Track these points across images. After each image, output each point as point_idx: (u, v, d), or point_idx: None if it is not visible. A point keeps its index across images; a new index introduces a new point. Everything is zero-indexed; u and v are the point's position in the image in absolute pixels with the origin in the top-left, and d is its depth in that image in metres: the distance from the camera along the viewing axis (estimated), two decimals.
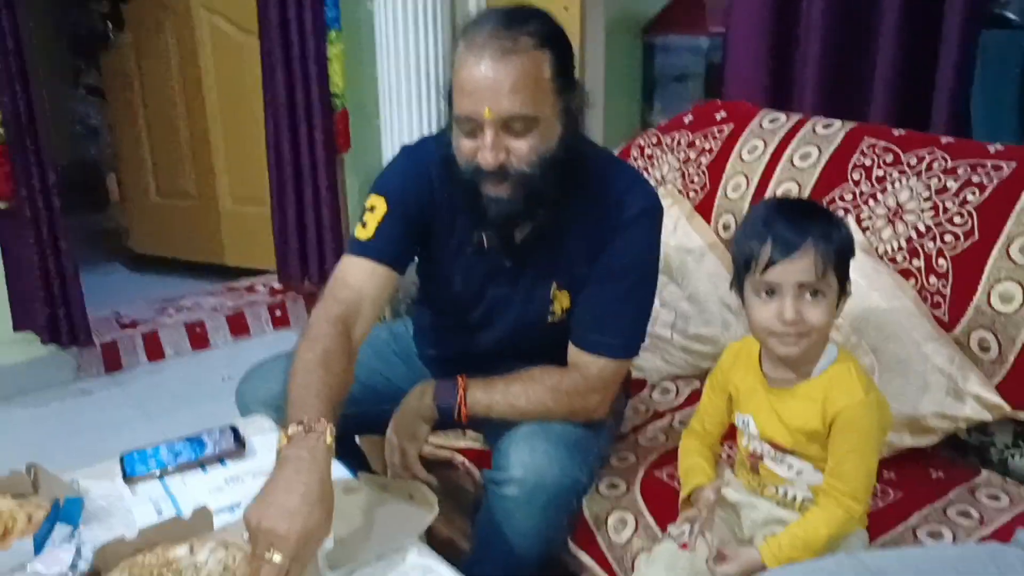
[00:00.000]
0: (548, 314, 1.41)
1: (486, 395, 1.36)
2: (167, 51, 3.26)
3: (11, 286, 2.51)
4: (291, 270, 3.08)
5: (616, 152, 2.04)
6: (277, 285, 3.22)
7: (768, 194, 1.69)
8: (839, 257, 1.13)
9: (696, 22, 3.58)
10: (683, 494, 1.26)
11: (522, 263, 1.39)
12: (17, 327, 2.55)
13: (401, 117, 2.83)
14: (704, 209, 1.80)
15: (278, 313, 3.14)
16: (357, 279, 1.32)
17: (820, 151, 1.66)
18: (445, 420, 1.39)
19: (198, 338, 2.99)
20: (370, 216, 1.34)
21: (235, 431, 1.34)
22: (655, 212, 1.35)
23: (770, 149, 1.74)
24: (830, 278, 1.12)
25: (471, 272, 1.41)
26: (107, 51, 3.42)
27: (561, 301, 1.40)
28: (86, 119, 4.00)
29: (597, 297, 1.35)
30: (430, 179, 1.36)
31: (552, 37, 1.23)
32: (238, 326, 3.07)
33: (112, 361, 2.81)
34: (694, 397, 1.68)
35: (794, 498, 1.20)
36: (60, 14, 4.12)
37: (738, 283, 1.19)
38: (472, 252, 1.39)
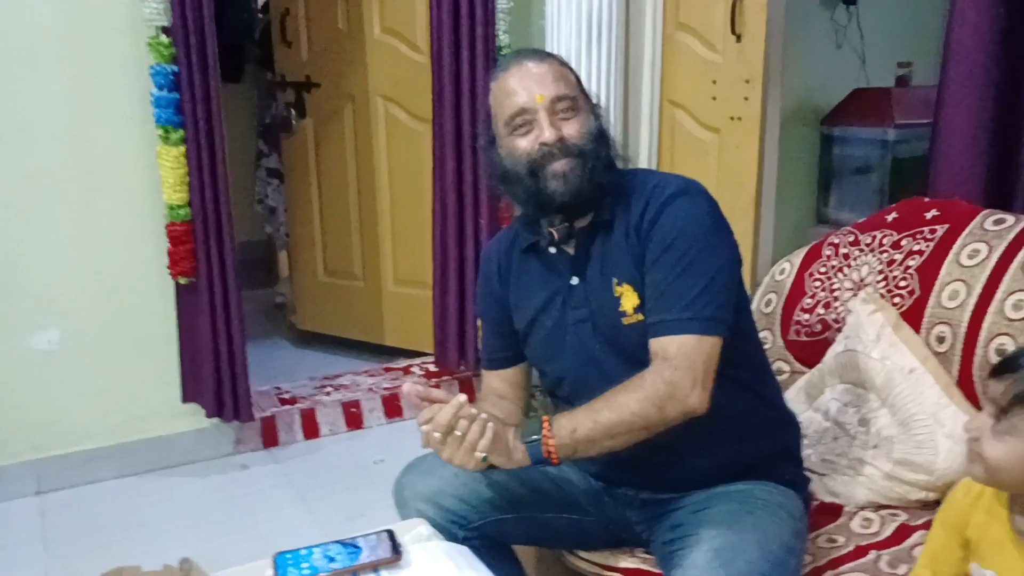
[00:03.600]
0: (621, 315, 1.35)
1: (569, 419, 1.26)
2: (344, 137, 3.38)
3: (184, 360, 2.58)
4: (448, 354, 3.04)
5: (805, 249, 1.88)
6: (434, 368, 3.19)
7: (995, 304, 1.48)
8: None
9: (881, 113, 3.37)
10: None
11: (585, 268, 1.40)
12: (186, 399, 2.62)
13: None
14: (913, 318, 1.60)
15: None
16: (490, 386, 1.55)
17: None
18: (536, 458, 1.26)
19: (353, 418, 2.98)
20: (481, 333, 1.60)
21: (392, 537, 1.24)
22: (692, 188, 1.36)
23: (996, 254, 1.52)
24: (1019, 423, 0.94)
25: (550, 305, 1.44)
26: (289, 136, 3.58)
27: (629, 298, 1.35)
28: (264, 199, 4.19)
29: (655, 279, 1.32)
30: (498, 256, 1.53)
31: (566, 62, 1.42)
32: (393, 408, 3.04)
33: (270, 437, 2.84)
34: (902, 533, 1.46)
35: None
36: (255, 103, 4.41)
37: None
38: (542, 274, 1.45)
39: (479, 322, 1.62)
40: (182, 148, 2.42)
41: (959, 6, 1.75)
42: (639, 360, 1.33)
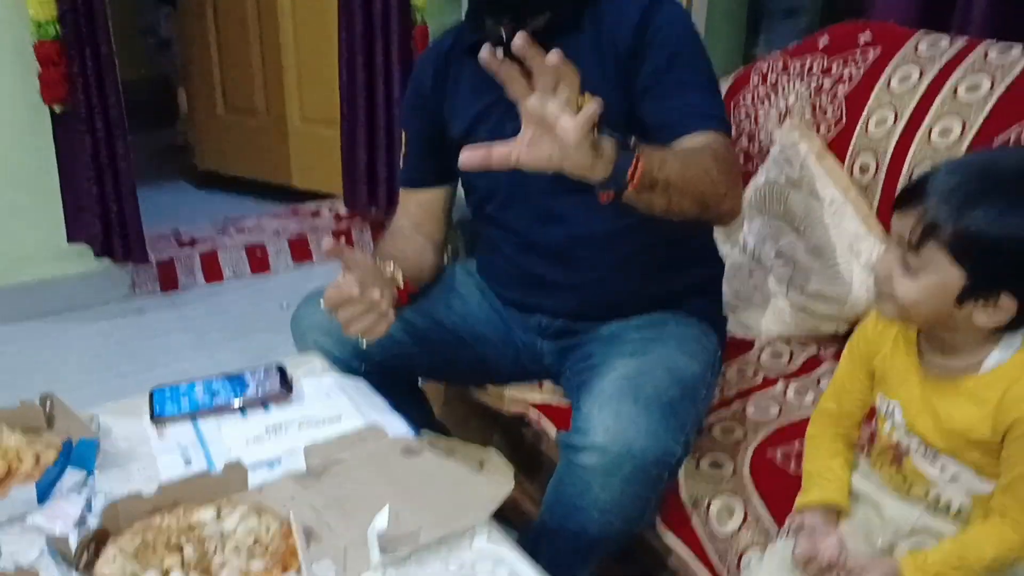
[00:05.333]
0: None
1: (660, 153, 1.09)
2: None
3: (66, 196, 2.38)
4: (358, 195, 2.89)
5: (731, 79, 1.78)
6: (343, 211, 3.05)
7: (922, 131, 1.42)
8: (967, 244, 0.84)
9: None
10: (802, 499, 1.03)
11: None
12: (71, 239, 2.43)
13: None
14: (839, 147, 1.53)
15: (342, 240, 2.96)
16: (406, 209, 1.44)
17: (993, 82, 1.37)
18: (621, 169, 1.04)
19: (258, 262, 2.84)
20: (404, 149, 1.45)
21: (282, 372, 1.16)
22: None
23: (928, 78, 1.45)
24: (933, 256, 0.86)
25: (487, 115, 1.31)
26: None
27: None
28: (157, 29, 3.84)
29: (674, 86, 1.21)
30: (434, 61, 1.38)
31: None
32: (300, 251, 2.91)
33: (168, 280, 2.69)
34: (810, 364, 1.45)
35: (948, 505, 0.96)
36: None
37: None
38: (481, 81, 1.23)
39: (403, 135, 1.46)
40: None
41: None
42: (573, 184, 1.22)
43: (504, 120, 1.28)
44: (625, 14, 1.22)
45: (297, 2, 3.01)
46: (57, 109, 2.27)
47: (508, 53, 1.21)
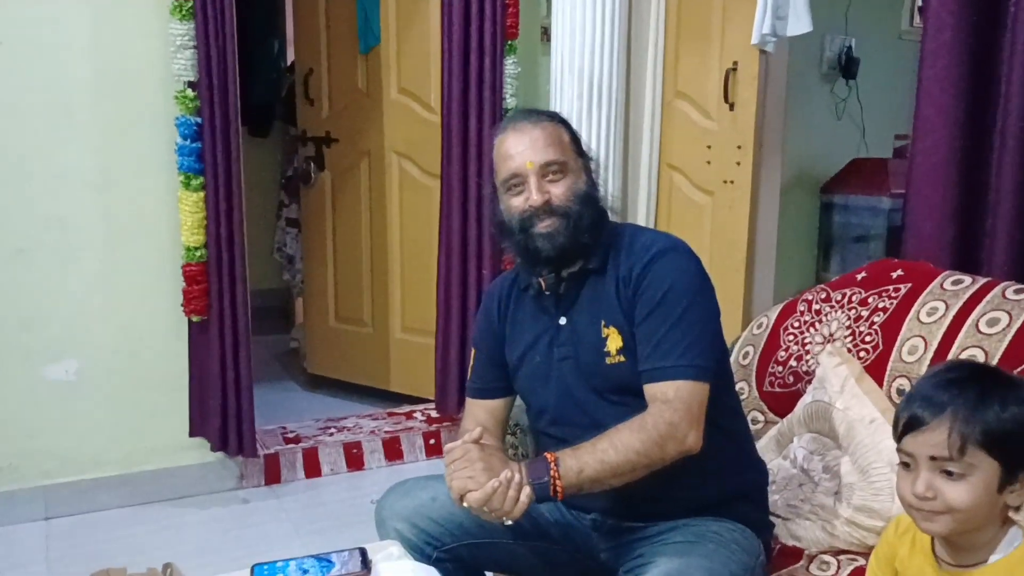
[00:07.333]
0: (605, 354, 1.47)
1: (575, 459, 1.34)
2: (359, 190, 3.54)
3: (192, 395, 2.69)
4: (448, 401, 3.13)
5: (781, 305, 1.97)
6: (435, 414, 3.28)
7: (949, 359, 1.56)
8: (995, 437, 1.00)
9: (877, 182, 3.49)
10: None
11: (572, 310, 1.52)
12: (193, 433, 2.72)
13: None
14: (876, 371, 1.68)
15: (432, 442, 3.17)
16: (473, 415, 1.62)
17: (1011, 317, 1.52)
18: (542, 497, 1.33)
19: (354, 459, 3.06)
20: (472, 363, 1.67)
21: (364, 554, 1.33)
22: (681, 246, 1.49)
23: (952, 312, 1.61)
24: (975, 457, 1.00)
25: (538, 343, 1.56)
26: (308, 188, 3.75)
27: (614, 340, 1.46)
28: (283, 248, 4.36)
29: (649, 329, 1.42)
30: (500, 293, 1.64)
31: (562, 120, 1.56)
32: (393, 451, 3.12)
33: (272, 473, 2.92)
34: (856, 575, 1.52)
35: None
36: (280, 157, 4.63)
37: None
38: (534, 314, 1.57)
39: (472, 352, 1.68)
40: (201, 194, 2.56)
41: (925, 86, 1.87)
42: (613, 398, 1.45)
43: (551, 347, 1.53)
44: (635, 265, 1.46)
45: (405, 228, 3.42)
46: (195, 319, 2.63)
47: (549, 291, 1.53)
